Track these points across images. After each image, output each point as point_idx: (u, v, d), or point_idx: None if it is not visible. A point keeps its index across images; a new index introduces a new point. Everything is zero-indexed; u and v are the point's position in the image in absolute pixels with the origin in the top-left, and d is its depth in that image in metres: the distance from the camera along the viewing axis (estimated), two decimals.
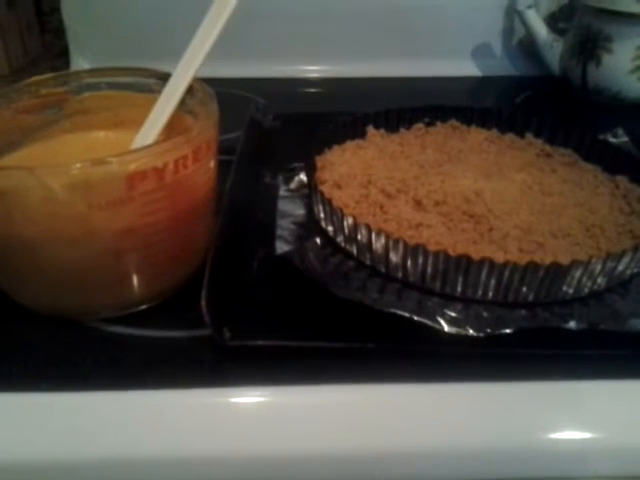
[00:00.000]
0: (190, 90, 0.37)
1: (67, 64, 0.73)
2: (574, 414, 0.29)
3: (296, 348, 0.31)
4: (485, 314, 0.33)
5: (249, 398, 0.29)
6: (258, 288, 0.35)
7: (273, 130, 0.55)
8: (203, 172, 0.33)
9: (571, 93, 0.64)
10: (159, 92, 0.37)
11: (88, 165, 0.28)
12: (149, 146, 0.29)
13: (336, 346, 0.31)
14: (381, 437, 0.28)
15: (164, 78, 0.37)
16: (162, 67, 0.73)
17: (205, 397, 0.29)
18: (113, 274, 0.32)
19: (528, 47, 0.70)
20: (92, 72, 0.39)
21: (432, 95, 0.69)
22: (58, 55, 0.76)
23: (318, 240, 0.36)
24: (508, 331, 0.31)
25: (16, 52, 0.69)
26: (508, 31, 0.71)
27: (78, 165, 0.27)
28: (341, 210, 0.36)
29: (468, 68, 0.72)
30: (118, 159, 0.28)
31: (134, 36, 0.71)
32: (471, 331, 0.31)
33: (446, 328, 0.31)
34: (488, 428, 0.29)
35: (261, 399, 0.29)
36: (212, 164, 0.34)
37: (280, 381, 0.30)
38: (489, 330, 0.31)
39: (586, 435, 0.29)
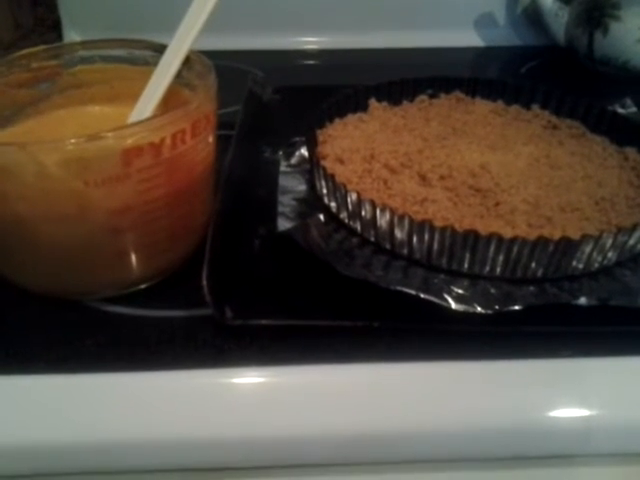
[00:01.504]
0: (187, 62, 0.36)
1: (60, 37, 0.71)
2: (582, 391, 0.28)
3: (299, 327, 0.30)
4: (493, 290, 0.32)
5: (251, 378, 0.29)
6: (260, 266, 0.34)
7: (272, 103, 0.54)
8: (202, 147, 0.32)
9: (577, 63, 0.63)
10: (155, 65, 0.36)
11: (82, 141, 0.27)
12: (145, 120, 0.28)
13: (340, 325, 0.30)
14: (386, 417, 0.27)
15: (160, 50, 0.36)
16: (157, 40, 0.71)
17: (206, 378, 0.28)
18: (111, 252, 0.31)
19: (533, 16, 0.68)
20: (85, 44, 0.38)
21: (434, 66, 0.67)
22: (50, 28, 0.74)
23: (321, 217, 0.35)
24: (517, 308, 0.31)
25: (7, 26, 0.67)
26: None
27: (72, 141, 0.26)
28: (344, 186, 0.35)
29: (471, 38, 0.70)
30: (113, 134, 0.27)
31: (127, 9, 0.69)
32: (479, 308, 0.30)
33: (453, 305, 0.30)
34: (495, 407, 0.28)
35: (263, 379, 0.29)
36: (211, 139, 0.33)
37: (282, 360, 0.29)
38: (497, 307, 0.30)
39: (593, 412, 0.28)
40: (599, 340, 0.30)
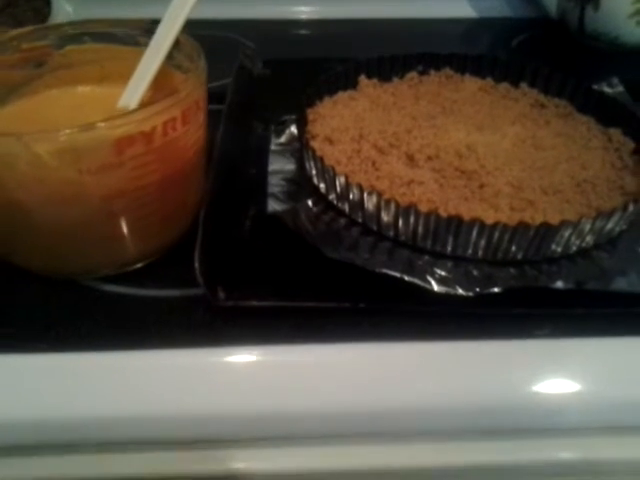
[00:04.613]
0: (177, 44, 0.36)
1: (47, 3, 0.70)
2: (555, 370, 0.30)
3: (289, 308, 0.31)
4: (475, 272, 0.34)
5: (242, 357, 0.30)
6: (251, 247, 0.35)
7: (263, 77, 0.54)
8: (192, 132, 0.32)
9: (568, 37, 0.63)
10: (145, 45, 0.36)
11: (75, 131, 0.27)
12: (136, 110, 0.29)
13: (328, 306, 0.32)
14: (371, 393, 0.29)
15: (149, 30, 0.36)
16: (145, 10, 0.70)
17: (199, 356, 0.30)
18: (106, 234, 0.32)
19: None
20: (74, 24, 0.38)
21: (425, 38, 0.68)
22: None
23: (310, 202, 0.36)
24: (497, 290, 0.32)
25: None
26: None
27: (66, 131, 0.27)
28: (333, 169, 0.36)
29: (463, 9, 0.70)
30: (105, 124, 0.27)
31: None
32: (460, 290, 0.32)
33: (436, 288, 0.32)
34: (473, 384, 0.30)
35: (253, 358, 0.30)
36: (201, 123, 0.34)
37: (272, 340, 0.30)
38: (478, 289, 0.32)
39: (568, 389, 0.30)
40: (574, 321, 0.31)
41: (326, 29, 0.69)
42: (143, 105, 0.35)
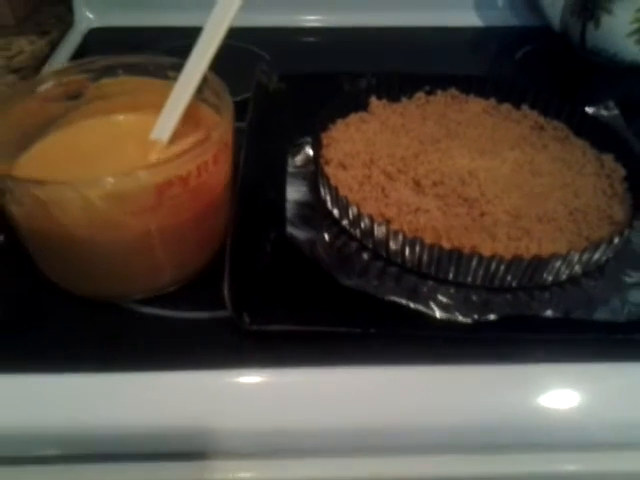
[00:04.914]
0: (204, 80, 0.39)
1: (69, 10, 0.73)
2: (544, 393, 0.34)
3: (307, 332, 0.35)
4: (474, 297, 0.37)
5: (263, 378, 0.34)
6: (272, 272, 0.39)
7: (278, 93, 0.57)
8: (222, 170, 0.36)
9: (571, 49, 0.65)
10: (174, 78, 0.40)
11: (121, 178, 0.31)
12: (174, 158, 0.32)
13: (341, 331, 0.35)
14: (380, 413, 0.33)
15: (176, 66, 0.39)
16: (162, 18, 0.73)
17: (225, 378, 0.34)
18: (145, 263, 0.36)
19: None
20: (108, 59, 0.41)
21: (434, 46, 0.70)
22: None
23: (325, 234, 0.40)
24: (493, 317, 0.36)
25: (18, 1, 0.69)
26: None
27: (112, 179, 0.30)
28: (346, 198, 0.39)
29: (471, 18, 0.72)
30: (147, 172, 0.31)
31: None
32: (460, 317, 0.35)
33: (438, 314, 0.35)
34: (473, 404, 0.34)
35: (272, 379, 0.34)
36: (230, 161, 0.37)
37: (292, 361, 0.34)
38: (476, 316, 0.35)
39: (558, 410, 0.34)
40: (563, 346, 0.35)
41: (336, 37, 0.72)
42: (174, 138, 0.39)
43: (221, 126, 0.34)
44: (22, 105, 0.38)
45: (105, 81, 0.41)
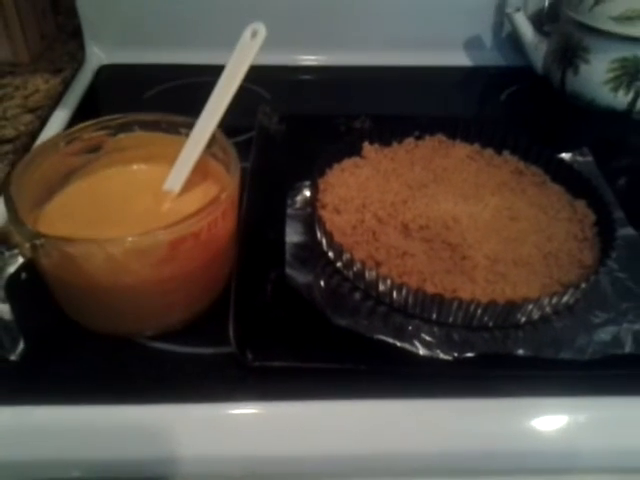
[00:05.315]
0: (213, 138, 0.43)
1: (81, 46, 0.77)
2: (513, 425, 0.38)
3: (303, 368, 0.39)
4: (455, 336, 0.41)
5: (263, 410, 0.38)
6: (272, 312, 0.43)
7: (279, 135, 0.61)
8: (229, 223, 0.40)
9: (552, 92, 0.70)
10: (185, 135, 0.44)
11: (140, 236, 0.35)
12: (187, 218, 0.36)
13: (335, 367, 0.39)
14: (370, 441, 0.37)
15: (188, 125, 0.44)
16: (168, 55, 0.78)
17: (229, 409, 0.38)
18: (157, 305, 0.40)
19: (516, 40, 0.74)
20: (126, 117, 0.45)
21: (425, 84, 0.75)
22: (71, 36, 0.80)
23: (321, 277, 0.44)
24: (471, 354, 0.40)
25: (35, 38, 0.73)
26: (498, 25, 0.75)
27: (131, 239, 0.34)
28: (340, 245, 0.43)
29: (460, 58, 0.77)
30: (164, 231, 0.35)
31: (146, 23, 0.75)
32: (441, 355, 0.40)
33: (421, 352, 0.40)
34: (447, 435, 0.38)
35: (271, 411, 0.38)
36: (236, 214, 0.41)
37: (290, 395, 0.38)
38: (456, 354, 0.40)
39: (521, 439, 0.38)
40: (531, 381, 0.39)
41: (330, 75, 0.76)
42: (184, 188, 0.43)
43: (231, 186, 0.39)
44: (48, 160, 0.42)
45: (122, 136, 0.45)
